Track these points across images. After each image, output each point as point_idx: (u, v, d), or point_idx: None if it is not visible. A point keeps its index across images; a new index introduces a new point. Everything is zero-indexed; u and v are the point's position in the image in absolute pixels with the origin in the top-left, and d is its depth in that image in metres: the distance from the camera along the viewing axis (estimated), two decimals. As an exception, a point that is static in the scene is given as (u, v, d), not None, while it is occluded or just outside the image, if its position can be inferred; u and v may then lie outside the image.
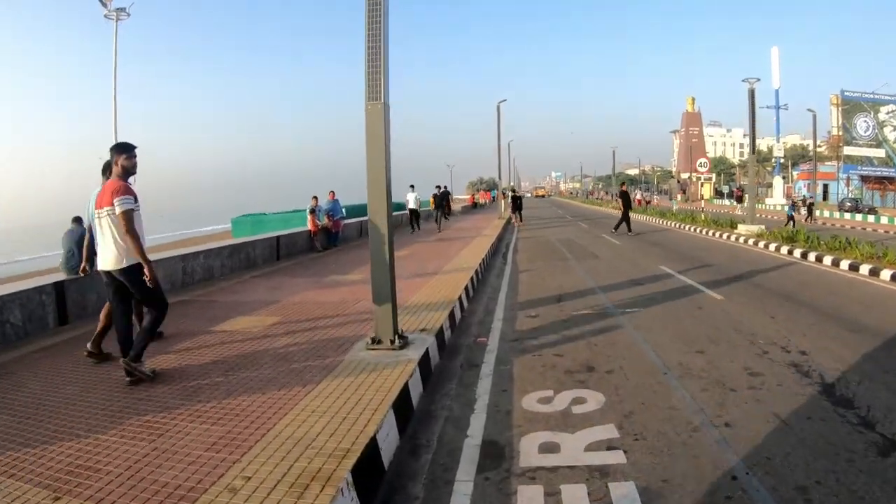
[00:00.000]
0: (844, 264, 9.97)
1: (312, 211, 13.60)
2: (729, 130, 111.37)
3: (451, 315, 6.01)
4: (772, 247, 13.04)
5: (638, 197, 39.73)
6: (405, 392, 3.68)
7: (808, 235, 13.03)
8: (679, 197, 57.89)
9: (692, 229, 19.40)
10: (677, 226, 21.13)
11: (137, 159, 4.01)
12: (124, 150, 3.96)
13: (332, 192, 14.70)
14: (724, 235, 16.28)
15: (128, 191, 3.85)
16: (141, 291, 3.91)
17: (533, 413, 3.63)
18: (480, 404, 3.84)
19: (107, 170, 4.55)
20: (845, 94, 45.04)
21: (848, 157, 45.06)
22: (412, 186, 18.21)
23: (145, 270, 3.84)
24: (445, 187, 33.93)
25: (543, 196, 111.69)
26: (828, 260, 10.59)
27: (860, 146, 44.93)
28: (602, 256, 12.09)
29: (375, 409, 3.29)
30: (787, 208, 19.39)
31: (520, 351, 5.07)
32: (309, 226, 13.58)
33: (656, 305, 6.87)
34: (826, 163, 47.52)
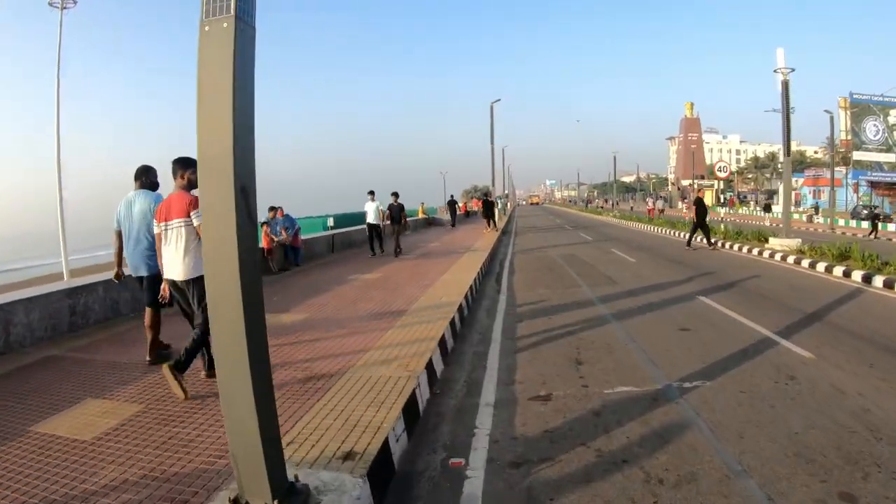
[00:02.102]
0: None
1: (266, 223, 11.27)
2: (725, 137, 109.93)
3: (410, 406, 3.70)
4: (820, 267, 10.80)
5: (650, 206, 37.07)
6: None
7: (865, 253, 10.79)
8: (680, 204, 55.70)
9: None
10: (701, 240, 18.30)
11: None
12: (189, 164, 4.02)
13: (280, 208, 12.24)
14: (755, 251, 14.00)
15: None
16: (202, 302, 3.87)
17: None
18: None
19: (140, 176, 4.78)
20: (854, 96, 43.13)
21: (856, 161, 43.16)
22: (371, 193, 13.84)
23: None
24: (452, 196, 31.58)
25: (537, 203, 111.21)
26: (901, 285, 8.41)
27: (869, 150, 43.02)
28: (619, 280, 9.79)
29: None
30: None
31: (524, 498, 2.78)
32: (262, 242, 11.22)
33: (725, 374, 4.57)
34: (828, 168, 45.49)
